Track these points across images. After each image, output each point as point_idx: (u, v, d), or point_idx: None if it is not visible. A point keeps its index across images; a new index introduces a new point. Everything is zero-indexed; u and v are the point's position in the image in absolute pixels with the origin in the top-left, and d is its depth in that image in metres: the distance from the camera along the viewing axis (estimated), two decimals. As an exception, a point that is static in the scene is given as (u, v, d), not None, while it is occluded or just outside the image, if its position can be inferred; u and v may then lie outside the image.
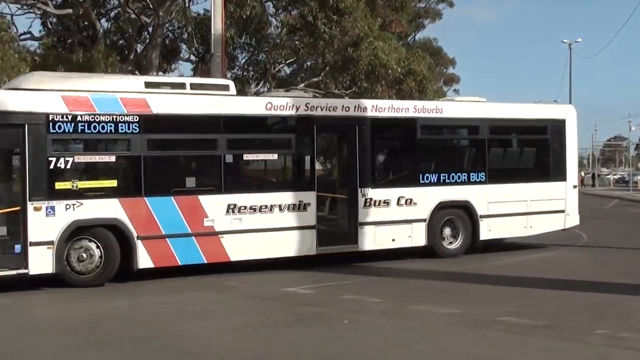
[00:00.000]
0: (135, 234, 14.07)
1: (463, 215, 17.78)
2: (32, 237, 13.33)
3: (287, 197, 15.67)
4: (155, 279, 14.52)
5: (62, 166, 13.67)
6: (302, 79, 31.04)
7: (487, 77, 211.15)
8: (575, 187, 19.29)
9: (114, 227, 14.01)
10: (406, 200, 17.04)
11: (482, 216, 17.93)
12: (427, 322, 10.34)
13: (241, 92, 29.27)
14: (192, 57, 29.57)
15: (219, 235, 14.89)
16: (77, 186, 13.84)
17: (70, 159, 13.81)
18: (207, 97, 15.26)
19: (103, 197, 13.98)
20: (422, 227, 17.19)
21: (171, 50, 29.68)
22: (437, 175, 17.53)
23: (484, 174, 18.08)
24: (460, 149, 19.01)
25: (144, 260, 14.24)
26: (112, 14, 28.69)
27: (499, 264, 16.73)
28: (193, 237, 14.69)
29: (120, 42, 28.53)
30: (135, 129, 14.27)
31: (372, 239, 16.65)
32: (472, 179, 17.96)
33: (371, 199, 16.59)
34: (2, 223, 13.34)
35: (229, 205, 15.01)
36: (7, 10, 25.96)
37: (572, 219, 19.14)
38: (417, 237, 17.16)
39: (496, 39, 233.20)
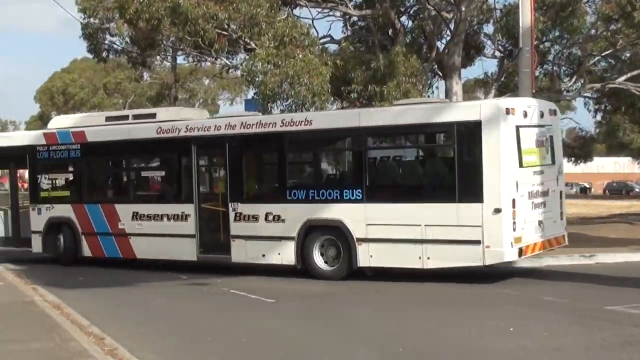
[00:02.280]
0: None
1: (338, 237, 17.54)
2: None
3: (172, 208, 19.94)
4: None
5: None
6: (619, 73, 30.25)
7: None
8: (497, 211, 15.65)
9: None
10: (274, 217, 18.29)
11: (360, 239, 17.27)
12: None
13: (549, 90, 29.26)
14: (497, 53, 29.86)
15: (128, 236, 20.60)
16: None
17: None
18: (123, 127, 21.16)
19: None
20: (291, 245, 18.00)
21: (474, 46, 30.19)
22: (305, 191, 18.07)
23: (360, 191, 17.36)
24: (332, 163, 19.31)
25: (86, 250, 21.48)
26: (412, 12, 29.75)
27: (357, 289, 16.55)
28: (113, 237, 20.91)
29: (419, 39, 29.50)
30: (77, 154, 21.73)
31: (243, 253, 18.82)
32: (346, 196, 17.48)
33: (241, 213, 18.76)
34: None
35: (134, 213, 20.45)
36: (306, 14, 27.91)
37: (496, 254, 15.84)
38: (286, 255, 18.14)
39: None
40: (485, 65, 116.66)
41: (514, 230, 15.81)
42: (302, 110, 24.18)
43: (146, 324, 13.62)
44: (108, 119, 22.31)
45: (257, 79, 24.46)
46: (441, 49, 28.48)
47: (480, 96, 37.19)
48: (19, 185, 23.93)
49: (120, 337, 12.10)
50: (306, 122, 18.24)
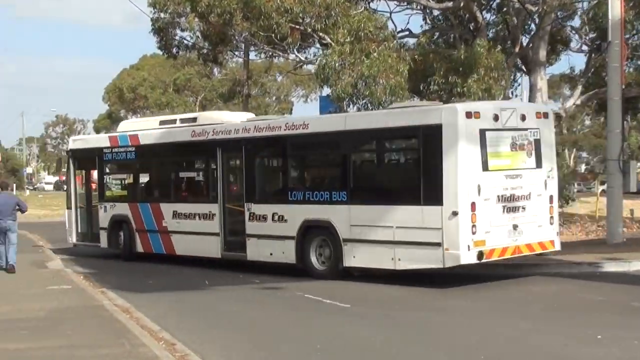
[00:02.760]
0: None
1: (329, 237, 18.64)
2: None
3: (202, 208, 21.52)
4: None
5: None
6: None
7: None
8: (455, 214, 16.21)
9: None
10: (279, 217, 19.64)
11: (346, 240, 18.29)
12: None
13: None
14: (584, 47, 29.23)
15: (170, 234, 22.45)
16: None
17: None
18: (166, 130, 23.10)
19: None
20: (292, 245, 19.26)
21: (560, 40, 29.60)
22: (302, 193, 19.39)
23: (345, 192, 18.41)
24: (324, 165, 20.39)
25: (139, 246, 23.45)
26: (494, 4, 29.26)
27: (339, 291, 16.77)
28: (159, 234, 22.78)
29: (502, 33, 29.00)
30: (133, 156, 23.96)
31: (256, 251, 20.16)
32: (334, 198, 18.56)
33: (254, 213, 20.17)
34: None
35: (174, 212, 22.25)
36: (383, 8, 27.49)
37: (454, 257, 16.33)
38: (288, 254, 19.40)
39: None
40: (572, 60, 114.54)
41: (474, 233, 16.40)
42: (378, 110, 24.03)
43: (218, 330, 13.47)
44: (161, 122, 24.17)
45: (330, 78, 24.30)
46: (525, 43, 27.96)
47: (566, 92, 36.53)
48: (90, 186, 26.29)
49: (191, 343, 12.01)
50: (304, 126, 19.49)
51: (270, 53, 31.65)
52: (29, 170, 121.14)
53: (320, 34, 26.01)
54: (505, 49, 27.61)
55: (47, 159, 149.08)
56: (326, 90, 27.61)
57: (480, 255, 16.44)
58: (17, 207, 20.48)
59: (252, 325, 13.84)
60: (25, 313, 14.28)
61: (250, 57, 38.88)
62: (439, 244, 16.51)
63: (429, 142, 16.89)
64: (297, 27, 25.70)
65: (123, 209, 23.97)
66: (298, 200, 19.29)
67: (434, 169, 16.64)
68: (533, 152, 17.60)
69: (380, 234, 17.53)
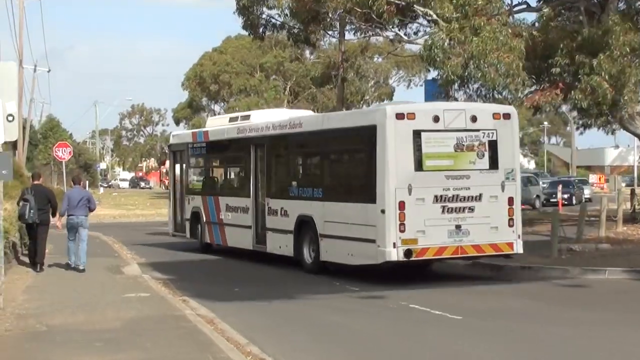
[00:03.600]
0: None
1: (314, 231, 21.25)
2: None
3: (241, 202, 24.90)
4: None
5: None
6: None
7: None
8: (382, 212, 18.61)
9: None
10: (284, 211, 22.59)
11: (321, 235, 21.00)
12: None
13: None
14: None
15: (224, 226, 26.02)
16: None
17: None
18: (222, 127, 26.93)
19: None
20: (291, 239, 22.18)
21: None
22: (297, 189, 22.32)
23: (321, 189, 21.35)
24: (309, 163, 23.33)
25: (207, 237, 27.23)
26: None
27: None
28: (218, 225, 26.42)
29: (636, 5, 28.23)
30: (204, 152, 28.42)
31: (272, 243, 23.29)
32: (315, 194, 21.47)
33: (270, 208, 23.29)
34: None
35: (226, 205, 25.76)
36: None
37: (382, 253, 18.64)
38: (289, 246, 22.31)
39: None
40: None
41: (402, 231, 18.56)
42: (492, 96, 23.90)
43: (314, 344, 13.36)
44: (230, 119, 27.78)
45: (438, 59, 24.05)
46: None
47: None
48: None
49: (283, 358, 11.88)
50: (299, 125, 22.55)
51: (368, 32, 31.51)
52: (102, 165, 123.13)
53: (423, 8, 25.76)
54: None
55: (121, 153, 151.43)
56: (432, 74, 27.35)
57: (409, 253, 18.49)
58: (87, 204, 21.33)
59: (354, 339, 13.68)
60: (100, 323, 14.34)
61: (346, 37, 38.83)
62: (373, 240, 18.88)
63: (367, 142, 19.42)
64: (395, 1, 25.51)
65: (198, 201, 27.68)
66: (295, 196, 22.30)
67: (370, 169, 19.14)
68: (486, 154, 19.30)
69: (340, 229, 20.19)
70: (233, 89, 77.96)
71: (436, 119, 18.92)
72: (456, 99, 25.96)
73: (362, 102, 70.41)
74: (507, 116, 19.63)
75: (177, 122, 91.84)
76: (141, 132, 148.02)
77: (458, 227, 18.89)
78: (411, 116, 18.81)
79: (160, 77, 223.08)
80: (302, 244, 21.79)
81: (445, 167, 19.05)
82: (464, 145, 19.12)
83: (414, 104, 20.88)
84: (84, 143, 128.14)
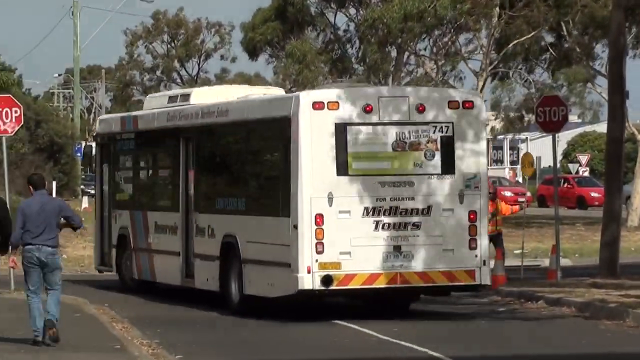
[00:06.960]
0: None
1: (238, 256, 17.60)
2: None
3: (166, 218, 20.20)
4: None
5: None
6: None
7: None
8: (295, 227, 15.66)
9: None
10: (211, 230, 18.61)
11: (244, 260, 17.41)
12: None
13: None
14: None
15: None
16: None
17: None
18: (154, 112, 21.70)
19: None
20: (217, 267, 18.12)
21: None
22: (223, 199, 18.53)
23: (244, 200, 17.93)
24: (234, 165, 19.02)
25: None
26: None
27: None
28: None
29: None
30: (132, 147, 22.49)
31: (198, 276, 18.95)
32: (239, 206, 17.96)
33: (197, 226, 18.85)
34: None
35: (155, 223, 20.52)
36: None
37: (294, 280, 15.63)
38: (215, 278, 18.11)
39: None
40: None
41: (319, 252, 15.61)
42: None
43: None
44: (169, 99, 22.02)
45: None
46: None
47: None
48: None
49: None
50: (225, 113, 19.05)
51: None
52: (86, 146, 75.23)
53: None
54: None
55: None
56: None
57: (328, 280, 15.61)
58: (63, 220, 13.63)
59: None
60: None
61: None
62: (288, 265, 15.90)
63: (280, 139, 16.48)
64: None
65: (126, 220, 21.66)
66: (220, 209, 18.53)
67: (286, 173, 16.11)
68: (437, 154, 16.27)
69: (261, 252, 16.78)
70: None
71: (368, 108, 15.95)
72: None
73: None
74: (468, 105, 16.49)
75: (253, 52, 48.53)
76: (173, 74, 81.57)
77: (397, 248, 15.99)
78: (333, 105, 15.83)
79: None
80: (229, 274, 17.69)
81: (380, 171, 16.20)
82: (405, 142, 16.15)
83: (340, 88, 17.36)
84: (48, 98, 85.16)
